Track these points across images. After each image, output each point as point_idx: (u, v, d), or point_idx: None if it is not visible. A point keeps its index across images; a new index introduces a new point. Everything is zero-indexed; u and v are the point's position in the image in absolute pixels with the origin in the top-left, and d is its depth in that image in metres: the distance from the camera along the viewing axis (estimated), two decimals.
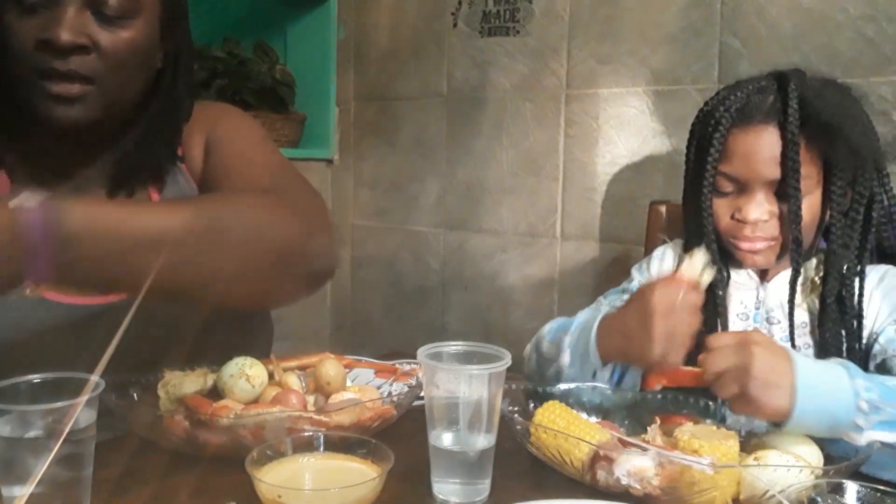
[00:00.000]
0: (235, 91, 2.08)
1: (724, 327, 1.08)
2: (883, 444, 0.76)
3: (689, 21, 1.61)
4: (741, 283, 1.10)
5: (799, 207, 1.00)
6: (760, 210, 1.03)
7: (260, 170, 0.95)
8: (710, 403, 0.91)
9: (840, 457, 0.77)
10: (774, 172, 1.01)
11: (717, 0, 1.58)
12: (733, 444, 0.73)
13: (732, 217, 1.05)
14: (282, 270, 0.79)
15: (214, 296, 0.77)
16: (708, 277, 0.93)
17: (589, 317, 1.03)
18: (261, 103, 2.12)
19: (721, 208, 1.07)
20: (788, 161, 1.00)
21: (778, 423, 0.79)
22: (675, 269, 0.94)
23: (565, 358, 1.01)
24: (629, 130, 1.71)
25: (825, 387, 0.78)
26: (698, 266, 0.91)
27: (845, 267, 1.03)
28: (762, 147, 1.02)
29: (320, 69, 2.25)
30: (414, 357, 0.76)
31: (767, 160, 1.01)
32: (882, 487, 0.64)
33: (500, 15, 1.90)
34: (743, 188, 1.05)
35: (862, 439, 0.77)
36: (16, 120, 0.91)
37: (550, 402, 0.84)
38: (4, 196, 0.83)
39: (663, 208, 1.45)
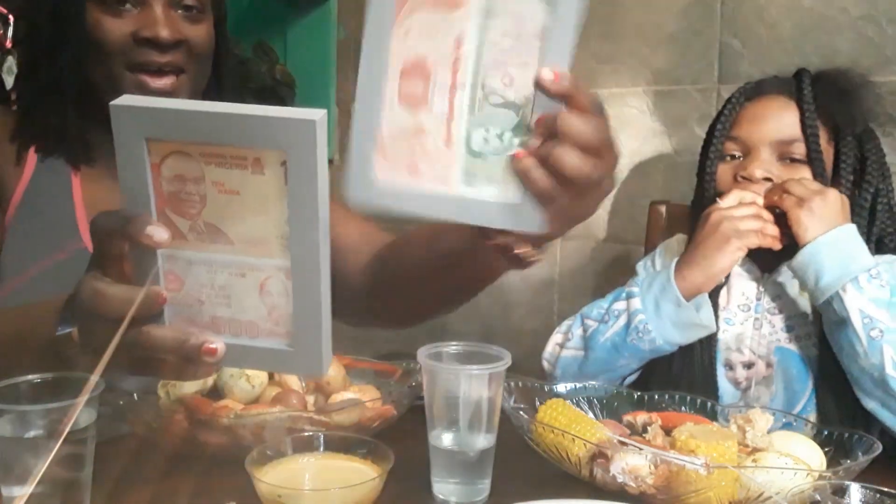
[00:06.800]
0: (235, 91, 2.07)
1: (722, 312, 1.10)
2: (863, 311, 0.92)
3: (689, 21, 1.61)
4: (743, 274, 1.10)
5: (823, 168, 1.03)
6: (765, 168, 1.04)
7: None
8: (710, 403, 0.91)
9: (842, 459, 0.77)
10: (780, 133, 1.04)
11: (717, 0, 1.58)
12: (731, 444, 0.73)
13: (735, 179, 1.07)
14: None
15: None
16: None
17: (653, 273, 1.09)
18: (261, 103, 2.12)
19: (725, 173, 1.09)
20: (807, 128, 1.03)
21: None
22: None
23: (635, 304, 1.03)
24: (629, 130, 1.71)
25: (858, 243, 0.96)
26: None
27: None
28: (771, 111, 1.06)
29: (320, 69, 2.25)
30: (414, 357, 0.76)
31: (774, 122, 1.05)
32: (885, 489, 0.64)
33: None
34: (748, 151, 1.06)
35: (851, 300, 0.92)
36: (97, 111, 0.97)
37: (553, 400, 0.84)
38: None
39: (663, 208, 1.45)
